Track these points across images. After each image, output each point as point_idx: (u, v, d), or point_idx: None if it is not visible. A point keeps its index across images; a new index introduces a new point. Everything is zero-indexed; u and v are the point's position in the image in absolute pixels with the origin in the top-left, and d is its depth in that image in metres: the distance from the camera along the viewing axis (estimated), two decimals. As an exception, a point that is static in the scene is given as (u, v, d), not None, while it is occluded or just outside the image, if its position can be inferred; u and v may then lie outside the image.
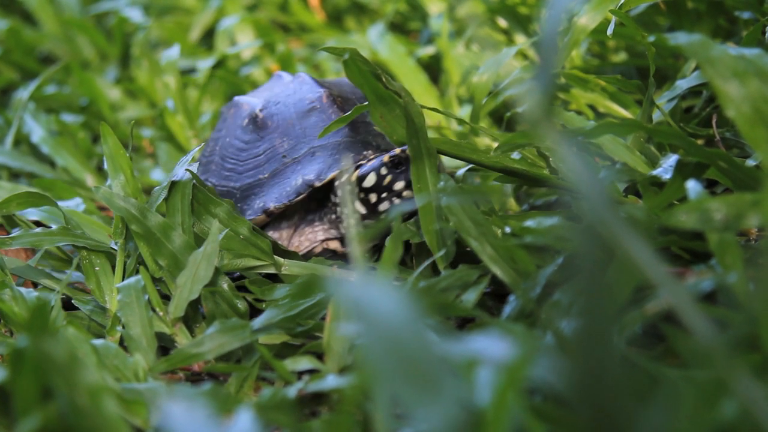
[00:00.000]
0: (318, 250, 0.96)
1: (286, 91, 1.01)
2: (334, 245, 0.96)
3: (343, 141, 0.95)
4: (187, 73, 1.52)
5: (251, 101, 1.02)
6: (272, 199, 0.94)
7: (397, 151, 0.89)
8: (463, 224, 0.79)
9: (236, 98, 1.06)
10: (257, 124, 0.99)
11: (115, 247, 0.88)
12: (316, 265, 0.89)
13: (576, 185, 0.46)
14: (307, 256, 0.95)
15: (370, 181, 0.91)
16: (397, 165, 0.90)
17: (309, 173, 0.93)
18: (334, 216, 0.95)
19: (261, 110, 0.99)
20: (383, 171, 0.90)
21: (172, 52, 1.34)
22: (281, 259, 0.88)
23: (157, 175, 1.27)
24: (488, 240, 0.78)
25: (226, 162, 1.00)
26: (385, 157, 0.90)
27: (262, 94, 1.04)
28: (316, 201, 0.96)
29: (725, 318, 0.61)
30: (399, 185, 0.90)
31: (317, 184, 0.93)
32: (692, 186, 0.67)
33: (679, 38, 0.71)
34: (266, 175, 0.96)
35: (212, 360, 0.79)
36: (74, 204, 1.07)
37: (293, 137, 0.97)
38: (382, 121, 0.85)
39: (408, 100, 0.82)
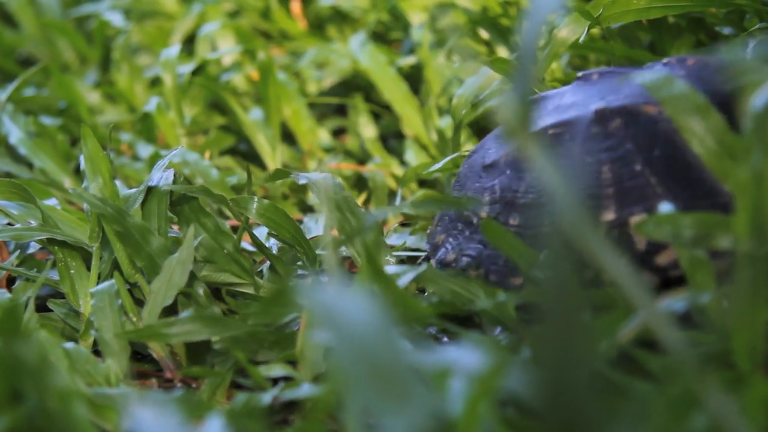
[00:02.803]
0: None
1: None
2: None
3: None
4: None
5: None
6: None
7: None
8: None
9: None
10: None
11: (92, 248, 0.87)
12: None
13: (551, 197, 0.46)
14: None
15: None
16: None
17: None
18: None
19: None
20: None
21: (172, 51, 1.34)
22: (260, 281, 0.87)
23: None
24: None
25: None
26: None
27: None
28: None
29: (698, 338, 0.61)
30: None
31: None
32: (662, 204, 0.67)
33: (644, 76, 0.71)
34: None
35: (183, 360, 0.79)
36: (51, 203, 1.07)
37: None
38: None
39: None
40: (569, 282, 0.43)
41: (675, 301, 0.62)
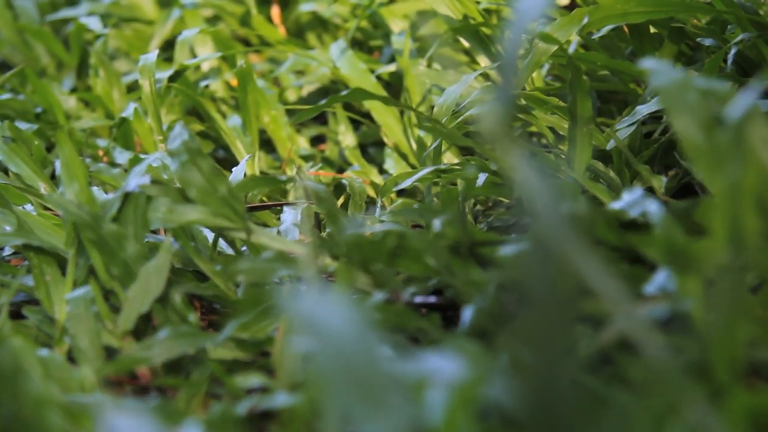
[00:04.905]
0: None
1: None
2: None
3: None
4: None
5: None
6: None
7: None
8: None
9: None
10: None
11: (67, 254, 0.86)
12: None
13: (533, 206, 0.46)
14: None
15: None
16: None
17: None
18: None
19: None
20: None
21: (150, 57, 1.33)
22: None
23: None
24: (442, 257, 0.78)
25: None
26: None
27: None
28: None
29: (680, 345, 0.61)
30: None
31: None
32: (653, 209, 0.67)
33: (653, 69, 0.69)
34: None
35: (159, 369, 0.78)
36: (27, 209, 1.06)
37: None
38: None
39: None
40: (552, 288, 0.42)
41: (655, 309, 0.62)
